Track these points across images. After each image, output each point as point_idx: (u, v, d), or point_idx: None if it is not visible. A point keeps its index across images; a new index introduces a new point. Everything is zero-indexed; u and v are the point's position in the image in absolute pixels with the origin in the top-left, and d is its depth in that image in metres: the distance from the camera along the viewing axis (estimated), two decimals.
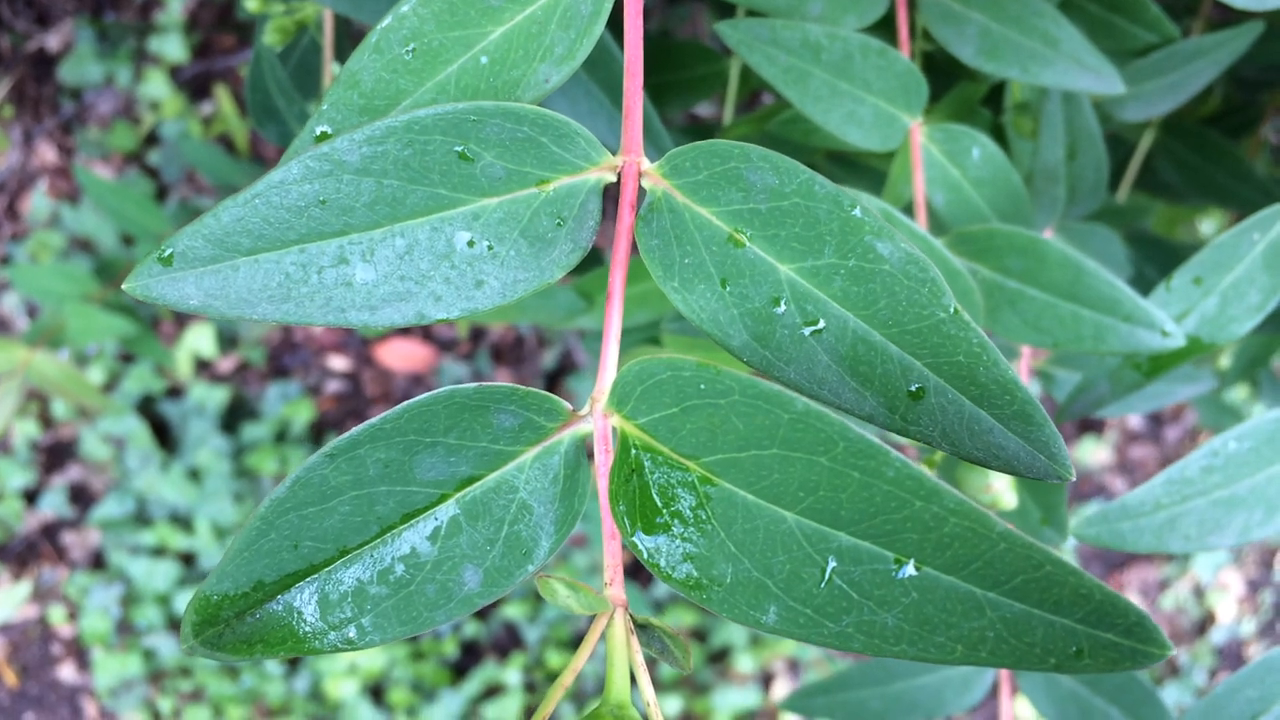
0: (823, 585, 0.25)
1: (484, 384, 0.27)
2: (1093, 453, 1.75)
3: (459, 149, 0.28)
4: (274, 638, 0.27)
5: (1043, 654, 0.24)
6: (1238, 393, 1.47)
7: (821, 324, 0.27)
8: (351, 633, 0.27)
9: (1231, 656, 1.76)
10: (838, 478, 0.24)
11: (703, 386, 0.25)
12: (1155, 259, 0.78)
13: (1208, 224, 1.24)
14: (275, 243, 0.27)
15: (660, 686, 1.59)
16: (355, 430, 0.27)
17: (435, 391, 0.27)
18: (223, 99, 1.49)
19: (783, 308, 0.28)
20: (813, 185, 0.27)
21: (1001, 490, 0.43)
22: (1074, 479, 0.26)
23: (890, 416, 0.27)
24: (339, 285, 0.27)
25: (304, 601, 0.27)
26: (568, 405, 0.28)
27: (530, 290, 0.28)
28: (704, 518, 0.26)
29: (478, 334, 1.60)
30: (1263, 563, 1.80)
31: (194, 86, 1.53)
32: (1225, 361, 0.87)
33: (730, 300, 0.28)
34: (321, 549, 0.27)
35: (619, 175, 0.30)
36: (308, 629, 0.27)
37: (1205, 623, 1.78)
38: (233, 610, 0.27)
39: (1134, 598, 1.75)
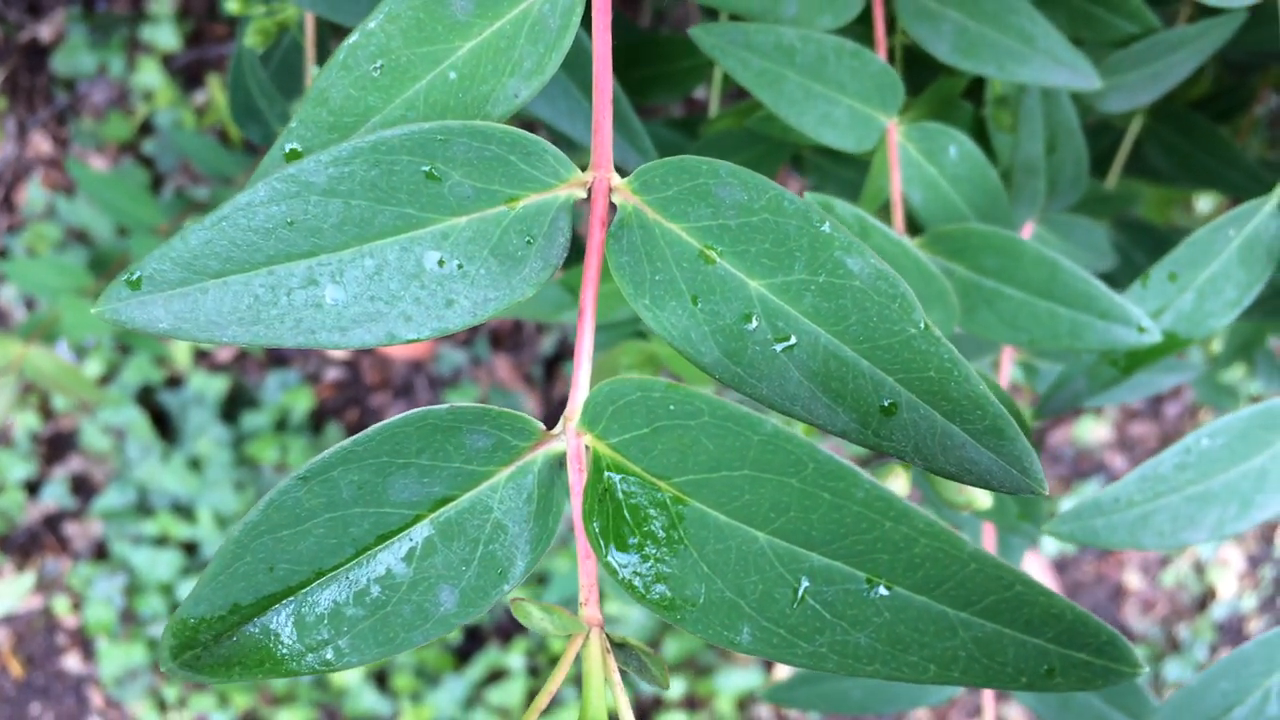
0: (796, 605, 0.25)
1: (456, 405, 0.27)
2: (1092, 430, 1.75)
3: (426, 168, 0.28)
4: (252, 660, 0.27)
5: (1015, 673, 0.24)
6: (1235, 370, 1.47)
7: (793, 340, 0.27)
8: (329, 654, 0.27)
9: (1232, 632, 1.77)
10: (808, 499, 0.24)
11: (672, 408, 0.25)
12: (1144, 245, 0.78)
13: (1204, 202, 1.23)
14: (243, 265, 0.27)
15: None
16: (327, 453, 0.27)
17: (407, 413, 0.27)
18: (215, 88, 1.48)
19: (754, 324, 0.28)
20: (781, 201, 0.27)
21: (976, 490, 0.43)
22: (1047, 493, 0.26)
23: (863, 432, 0.27)
24: (309, 307, 0.27)
25: (281, 624, 0.27)
26: (540, 425, 0.28)
27: (501, 309, 0.28)
28: (677, 538, 0.26)
29: None
30: (1263, 538, 1.80)
31: (187, 75, 1.52)
32: (1217, 346, 0.87)
33: (702, 317, 0.28)
34: (297, 571, 0.27)
35: (589, 191, 0.30)
36: (285, 651, 0.27)
37: (1206, 598, 1.78)
38: (210, 633, 0.27)
39: (1134, 575, 1.76)
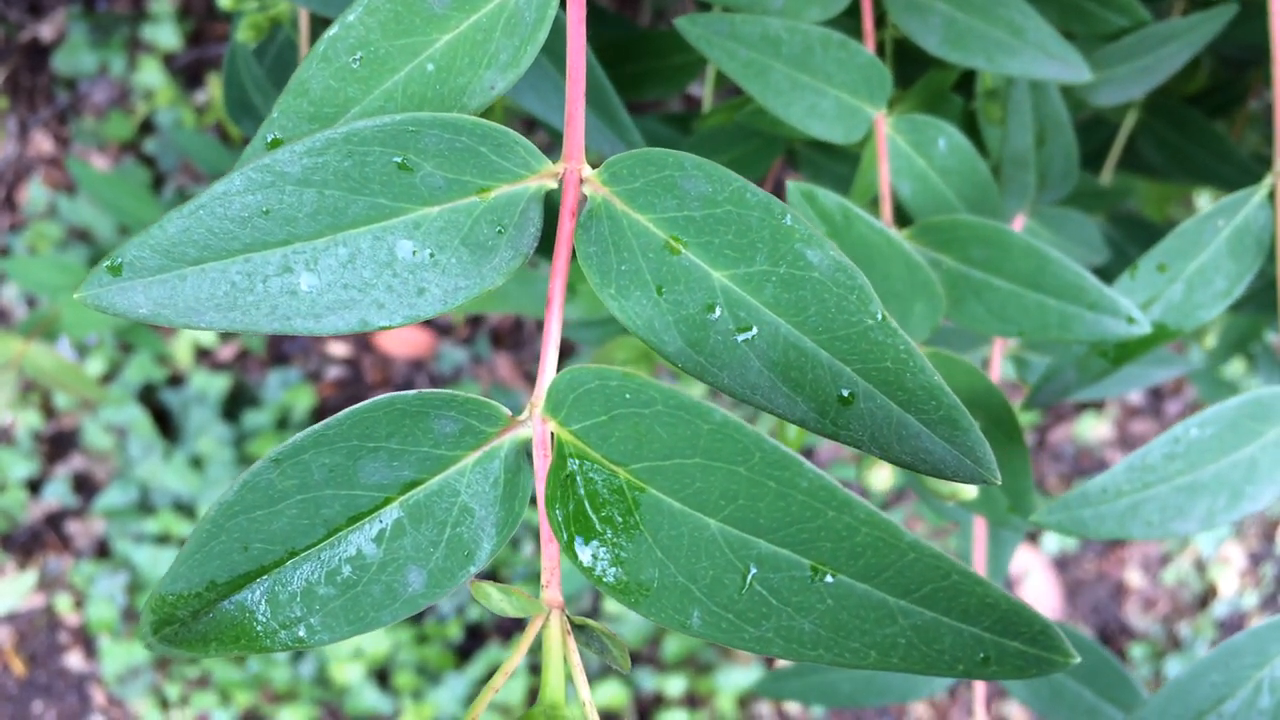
0: (743, 591, 0.25)
1: (424, 391, 0.28)
2: (1093, 428, 1.75)
3: (398, 159, 0.28)
4: (228, 635, 0.28)
5: (951, 660, 0.24)
6: (1236, 367, 1.47)
7: (754, 330, 0.28)
8: (301, 631, 0.28)
9: (1233, 630, 1.76)
10: (755, 487, 0.25)
11: (628, 396, 0.26)
12: (1138, 240, 0.78)
13: (1204, 198, 1.23)
14: (220, 253, 0.28)
15: (664, 667, 1.60)
16: (299, 436, 0.27)
17: (376, 399, 0.27)
18: (215, 87, 1.49)
19: (717, 314, 0.28)
20: (744, 193, 0.28)
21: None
22: (999, 483, 0.26)
23: (821, 421, 0.27)
24: (284, 294, 0.28)
25: (255, 601, 0.28)
26: (507, 411, 0.29)
27: (471, 297, 0.29)
28: (633, 523, 0.26)
29: (476, 319, 1.60)
30: (1264, 536, 1.80)
31: (188, 74, 1.53)
32: (1212, 342, 0.88)
33: (666, 307, 0.28)
34: (271, 550, 0.28)
35: (560, 182, 0.30)
36: (260, 627, 0.28)
37: (1207, 596, 1.78)
38: (188, 609, 0.28)
39: (1135, 572, 1.76)
